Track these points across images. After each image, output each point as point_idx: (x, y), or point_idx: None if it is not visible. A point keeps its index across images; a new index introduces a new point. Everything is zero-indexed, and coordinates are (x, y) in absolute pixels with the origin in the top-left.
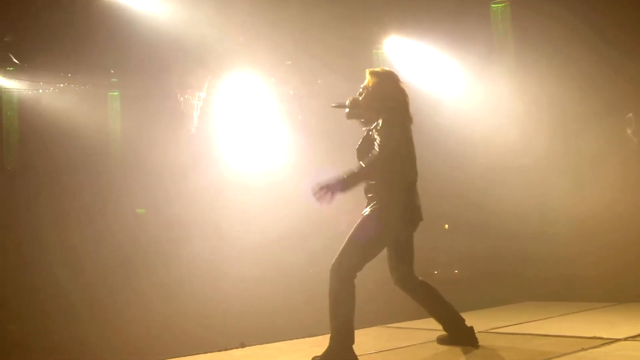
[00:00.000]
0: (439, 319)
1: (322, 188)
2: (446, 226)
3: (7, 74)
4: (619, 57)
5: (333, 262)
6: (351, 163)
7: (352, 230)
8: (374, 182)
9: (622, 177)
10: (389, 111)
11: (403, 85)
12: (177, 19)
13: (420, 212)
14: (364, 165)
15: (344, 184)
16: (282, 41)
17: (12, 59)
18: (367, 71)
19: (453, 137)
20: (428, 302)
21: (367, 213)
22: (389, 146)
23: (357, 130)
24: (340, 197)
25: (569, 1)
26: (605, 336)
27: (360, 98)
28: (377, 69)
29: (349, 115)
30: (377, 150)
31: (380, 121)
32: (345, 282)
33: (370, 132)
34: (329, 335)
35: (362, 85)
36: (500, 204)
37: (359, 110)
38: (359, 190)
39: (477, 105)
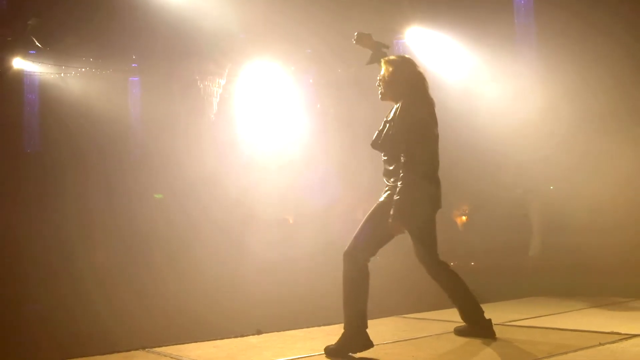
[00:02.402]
0: (459, 307)
1: (393, 228)
2: (463, 218)
3: (29, 57)
4: None
5: (346, 248)
6: (367, 153)
7: (367, 216)
8: (393, 168)
9: None
10: (404, 97)
11: (419, 70)
12: (199, 7)
13: (440, 200)
14: (402, 184)
15: (401, 213)
16: (302, 30)
17: (35, 42)
18: (382, 61)
19: (472, 128)
20: (450, 289)
21: (383, 199)
22: (415, 155)
23: (374, 120)
24: (359, 186)
25: None
26: (623, 331)
27: (379, 88)
28: (392, 57)
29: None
30: (405, 162)
31: (397, 109)
32: (359, 269)
33: (387, 123)
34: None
35: (378, 77)
36: (519, 196)
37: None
38: (377, 179)
39: (497, 98)
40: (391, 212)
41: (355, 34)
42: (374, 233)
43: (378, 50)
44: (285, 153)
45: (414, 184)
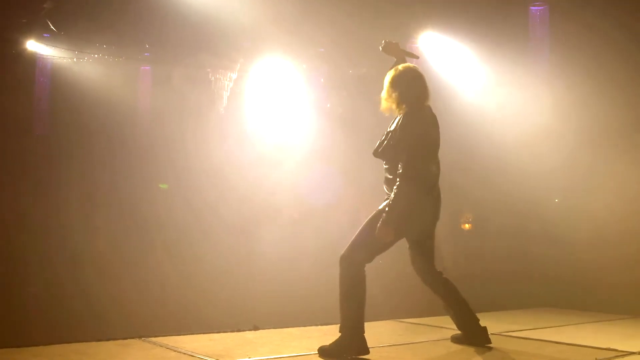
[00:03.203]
0: (454, 316)
1: (379, 233)
2: (467, 226)
3: (43, 40)
4: None
5: (343, 252)
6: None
7: (365, 222)
8: (393, 178)
9: None
10: (407, 109)
11: (422, 79)
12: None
13: (438, 211)
14: (397, 192)
15: (389, 219)
16: (315, 30)
17: (49, 26)
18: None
19: (479, 136)
20: (445, 298)
21: (382, 207)
22: (414, 166)
23: (382, 122)
24: (364, 187)
25: (607, 10)
26: (620, 348)
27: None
28: (397, 67)
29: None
30: (403, 172)
31: (399, 120)
32: (356, 273)
33: (389, 133)
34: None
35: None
36: (523, 206)
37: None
38: (381, 182)
39: (506, 107)
40: (381, 219)
41: (383, 42)
42: (371, 240)
43: (403, 60)
44: (292, 150)
45: (408, 194)
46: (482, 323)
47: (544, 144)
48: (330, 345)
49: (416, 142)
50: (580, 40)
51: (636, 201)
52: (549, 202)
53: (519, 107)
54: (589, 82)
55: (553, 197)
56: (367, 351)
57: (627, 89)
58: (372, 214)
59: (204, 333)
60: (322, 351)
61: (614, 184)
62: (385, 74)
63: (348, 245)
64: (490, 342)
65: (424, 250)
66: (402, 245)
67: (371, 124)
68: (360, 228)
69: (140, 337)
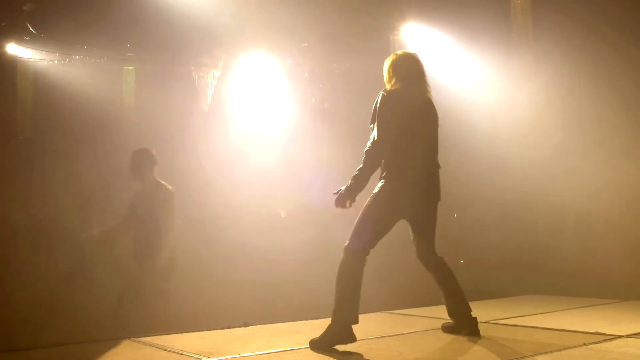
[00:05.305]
0: (447, 302)
1: (338, 200)
2: (455, 215)
3: (23, 43)
4: (638, 54)
5: (346, 243)
6: (359, 149)
7: (362, 210)
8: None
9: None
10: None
11: (407, 60)
12: None
13: (429, 191)
14: (363, 166)
15: (353, 190)
16: (298, 24)
17: (29, 29)
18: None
19: (468, 128)
20: (441, 283)
21: (374, 191)
22: (384, 139)
23: (368, 117)
24: (347, 183)
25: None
26: (608, 332)
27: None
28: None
29: None
30: (372, 146)
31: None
32: (358, 263)
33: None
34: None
35: None
36: (512, 195)
37: None
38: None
39: (493, 97)
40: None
41: None
42: (368, 226)
43: None
44: (277, 146)
45: (396, 177)
46: (473, 312)
47: (530, 134)
48: (321, 335)
49: (384, 129)
50: (565, 30)
51: (621, 191)
52: (536, 192)
53: (504, 97)
54: (574, 72)
55: (539, 187)
56: (354, 338)
57: (613, 78)
58: (367, 201)
59: (193, 331)
60: (312, 343)
61: (599, 174)
62: (369, 68)
63: (350, 236)
64: (479, 334)
65: (420, 232)
66: (392, 236)
67: (356, 118)
68: (357, 218)
69: (129, 337)
